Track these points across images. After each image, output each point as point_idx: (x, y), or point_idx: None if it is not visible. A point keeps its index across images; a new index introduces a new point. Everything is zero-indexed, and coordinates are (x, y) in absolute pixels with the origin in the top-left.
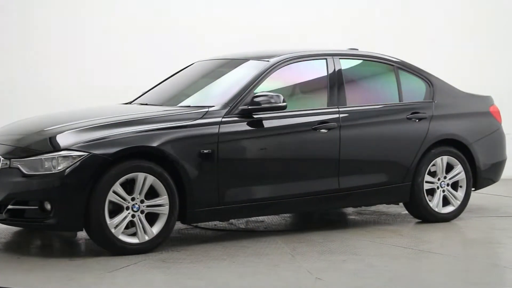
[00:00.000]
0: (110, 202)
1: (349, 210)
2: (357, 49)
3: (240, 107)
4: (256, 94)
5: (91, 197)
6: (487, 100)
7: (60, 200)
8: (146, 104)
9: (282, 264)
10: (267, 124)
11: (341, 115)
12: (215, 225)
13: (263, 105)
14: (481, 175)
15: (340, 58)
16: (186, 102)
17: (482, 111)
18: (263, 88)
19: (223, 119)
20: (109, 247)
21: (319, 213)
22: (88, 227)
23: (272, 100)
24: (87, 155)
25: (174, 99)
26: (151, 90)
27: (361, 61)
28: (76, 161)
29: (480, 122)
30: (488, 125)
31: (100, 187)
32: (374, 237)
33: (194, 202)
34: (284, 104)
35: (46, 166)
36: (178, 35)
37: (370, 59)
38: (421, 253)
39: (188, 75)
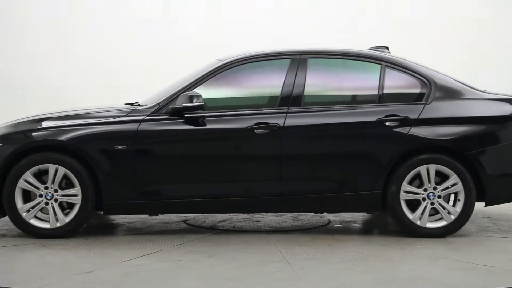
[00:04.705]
0: (25, 189)
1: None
2: (387, 47)
3: (170, 106)
4: (181, 94)
5: (4, 184)
6: None
7: None
8: (135, 104)
9: (122, 255)
10: (197, 123)
11: (288, 116)
12: (204, 221)
13: (183, 105)
14: (492, 189)
15: (309, 57)
16: None
17: (502, 115)
18: (212, 88)
19: (147, 117)
20: (21, 229)
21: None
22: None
23: (192, 100)
24: (0, 146)
25: None
26: (160, 89)
27: (339, 60)
28: None
29: (495, 127)
30: (506, 132)
31: (10, 176)
32: (295, 245)
33: (110, 195)
34: (201, 104)
35: None
36: (185, 35)
37: (350, 58)
38: (278, 263)
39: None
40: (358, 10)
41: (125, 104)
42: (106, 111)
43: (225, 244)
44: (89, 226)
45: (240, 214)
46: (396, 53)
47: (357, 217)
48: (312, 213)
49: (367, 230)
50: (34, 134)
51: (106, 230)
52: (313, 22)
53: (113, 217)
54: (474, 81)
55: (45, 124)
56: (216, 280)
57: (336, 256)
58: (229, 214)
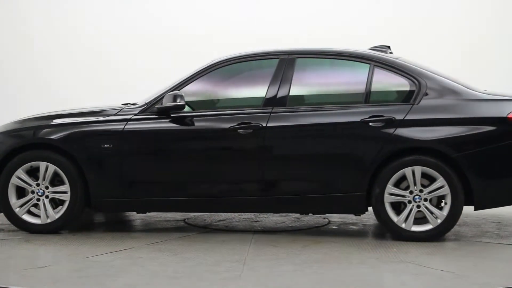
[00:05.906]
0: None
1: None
2: (389, 47)
3: (156, 106)
4: (166, 94)
5: None
6: (509, 104)
7: None
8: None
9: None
10: (182, 123)
11: (272, 116)
12: (204, 219)
13: (166, 104)
14: (480, 193)
15: (297, 57)
16: None
17: (492, 116)
18: (201, 87)
19: (134, 117)
20: (14, 224)
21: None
22: None
23: (176, 99)
24: None
25: None
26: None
27: (328, 59)
28: None
29: (485, 129)
30: (499, 134)
31: (3, 172)
32: (269, 246)
33: (98, 192)
34: (182, 103)
35: None
36: (187, 35)
37: (339, 57)
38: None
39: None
40: (359, 10)
41: (122, 104)
42: (96, 111)
43: (200, 243)
44: (92, 222)
45: (244, 214)
46: (398, 53)
47: (360, 219)
48: (316, 214)
49: (360, 232)
50: (26, 132)
51: (104, 227)
52: (313, 22)
53: (126, 214)
54: (476, 81)
55: (37, 123)
56: (157, 277)
57: (298, 257)
58: (232, 213)
